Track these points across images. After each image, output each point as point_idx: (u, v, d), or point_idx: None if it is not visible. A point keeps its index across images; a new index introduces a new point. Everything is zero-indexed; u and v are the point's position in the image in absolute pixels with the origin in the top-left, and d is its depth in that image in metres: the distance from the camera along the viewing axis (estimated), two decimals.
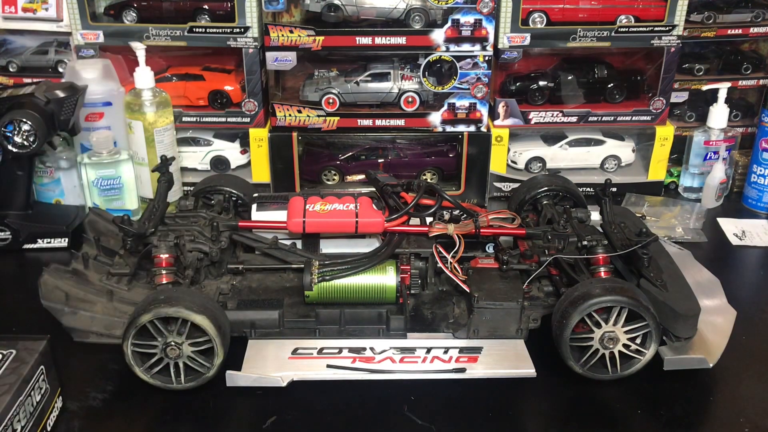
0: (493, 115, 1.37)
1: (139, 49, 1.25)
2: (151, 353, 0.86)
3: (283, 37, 1.28)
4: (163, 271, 0.95)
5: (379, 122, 1.34)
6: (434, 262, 0.99)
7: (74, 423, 0.84)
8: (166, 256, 0.95)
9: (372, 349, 0.93)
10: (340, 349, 0.93)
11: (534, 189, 1.16)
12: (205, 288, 0.99)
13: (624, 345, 0.88)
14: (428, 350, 0.93)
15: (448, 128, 1.35)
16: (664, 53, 1.33)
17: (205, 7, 1.31)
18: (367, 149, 1.41)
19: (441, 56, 1.30)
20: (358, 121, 1.34)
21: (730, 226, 1.32)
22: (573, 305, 0.87)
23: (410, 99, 1.34)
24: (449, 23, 1.26)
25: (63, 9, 1.31)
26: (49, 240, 1.20)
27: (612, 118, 1.38)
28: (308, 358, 0.91)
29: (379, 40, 1.28)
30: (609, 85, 1.39)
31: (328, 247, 1.04)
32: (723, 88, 1.35)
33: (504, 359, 0.91)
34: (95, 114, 1.28)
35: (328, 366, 0.90)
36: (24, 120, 1.10)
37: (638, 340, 0.89)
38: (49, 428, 0.80)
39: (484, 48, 1.29)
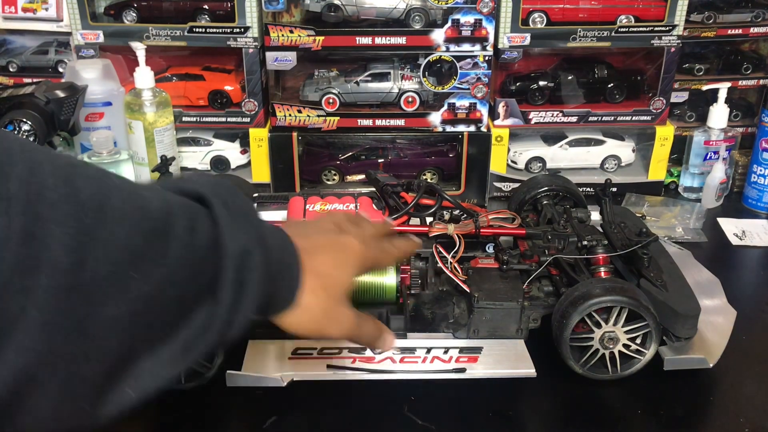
0: (493, 115, 1.37)
1: (139, 49, 1.25)
2: None
3: (283, 37, 1.28)
4: None
5: (379, 122, 1.34)
6: (434, 262, 0.99)
7: None
8: None
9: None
10: (340, 349, 0.93)
11: (534, 189, 1.16)
12: None
13: (624, 345, 0.88)
14: (428, 350, 0.92)
15: (448, 128, 1.35)
16: (664, 53, 1.33)
17: (205, 7, 1.31)
18: (367, 149, 1.41)
19: (441, 56, 1.30)
20: (358, 121, 1.34)
21: (730, 226, 1.32)
22: (573, 305, 0.87)
23: (410, 99, 1.34)
24: (449, 23, 1.26)
25: (63, 9, 1.31)
26: None
27: (612, 118, 1.38)
28: (308, 358, 0.91)
29: (379, 40, 1.28)
30: (609, 85, 1.39)
31: None
32: (723, 88, 1.35)
33: (504, 359, 0.91)
34: (95, 114, 1.28)
35: (328, 366, 0.90)
36: (24, 120, 1.09)
37: (638, 340, 0.89)
38: None
39: (484, 48, 1.29)
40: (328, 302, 0.62)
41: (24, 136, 1.11)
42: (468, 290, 0.94)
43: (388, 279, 0.96)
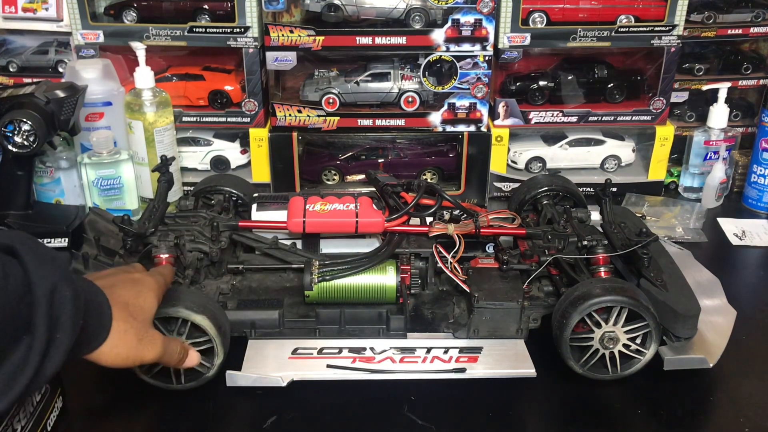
0: (493, 115, 1.37)
1: (139, 49, 1.25)
2: None
3: (283, 37, 1.28)
4: None
5: (379, 122, 1.34)
6: (434, 262, 0.99)
7: (74, 423, 0.84)
8: (166, 256, 0.95)
9: (372, 349, 0.93)
10: (340, 349, 0.93)
11: (534, 189, 1.16)
12: (205, 288, 0.99)
13: (624, 345, 0.88)
14: (428, 350, 0.93)
15: (448, 128, 1.35)
16: (664, 53, 1.33)
17: (205, 7, 1.31)
18: (367, 149, 1.41)
19: (441, 56, 1.30)
20: (358, 121, 1.34)
21: (730, 226, 1.32)
22: (573, 305, 0.87)
23: (410, 99, 1.34)
24: (449, 23, 1.26)
25: (63, 9, 1.31)
26: (49, 240, 1.20)
27: (612, 118, 1.38)
28: (308, 358, 0.91)
29: (379, 40, 1.28)
30: (609, 85, 1.38)
31: (328, 247, 1.04)
32: (723, 88, 1.35)
33: (504, 359, 0.91)
34: (95, 114, 1.28)
35: (328, 366, 0.90)
36: (24, 120, 1.09)
37: (638, 340, 0.89)
38: (49, 428, 0.80)
39: (484, 48, 1.29)
40: (139, 327, 0.71)
41: (24, 136, 1.11)
42: (468, 290, 0.94)
43: (388, 279, 0.96)
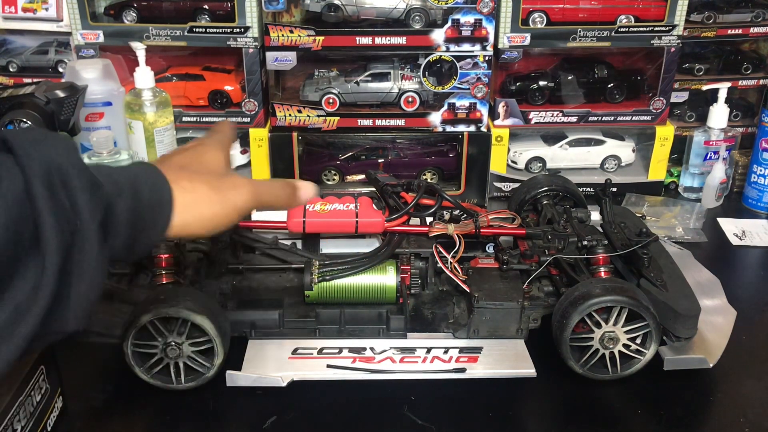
0: (493, 115, 1.37)
1: (139, 49, 1.25)
2: (152, 353, 0.86)
3: (283, 37, 1.28)
4: (163, 271, 0.95)
5: (379, 122, 1.34)
6: (434, 262, 0.99)
7: (74, 423, 0.84)
8: (166, 256, 0.95)
9: (372, 349, 0.93)
10: (340, 349, 0.93)
11: (534, 189, 1.16)
12: (205, 288, 0.99)
13: (624, 345, 0.88)
14: (428, 350, 0.93)
15: (448, 128, 1.35)
16: (664, 53, 1.33)
17: (205, 7, 1.31)
18: (367, 149, 1.41)
19: (441, 56, 1.30)
20: (358, 121, 1.34)
21: (730, 226, 1.32)
22: (573, 305, 0.87)
23: (410, 99, 1.34)
24: (449, 23, 1.26)
25: (63, 9, 1.31)
26: None
27: (612, 118, 1.38)
28: (308, 358, 0.91)
29: (379, 40, 1.28)
30: (609, 85, 1.38)
31: (328, 247, 1.04)
32: (723, 88, 1.35)
33: (504, 359, 0.91)
34: (95, 114, 1.28)
35: (328, 366, 0.90)
36: (24, 120, 1.09)
37: (638, 340, 0.89)
38: (49, 428, 0.80)
39: (484, 48, 1.29)
40: (207, 178, 0.61)
41: None
42: (468, 290, 0.94)
43: (388, 279, 0.96)
